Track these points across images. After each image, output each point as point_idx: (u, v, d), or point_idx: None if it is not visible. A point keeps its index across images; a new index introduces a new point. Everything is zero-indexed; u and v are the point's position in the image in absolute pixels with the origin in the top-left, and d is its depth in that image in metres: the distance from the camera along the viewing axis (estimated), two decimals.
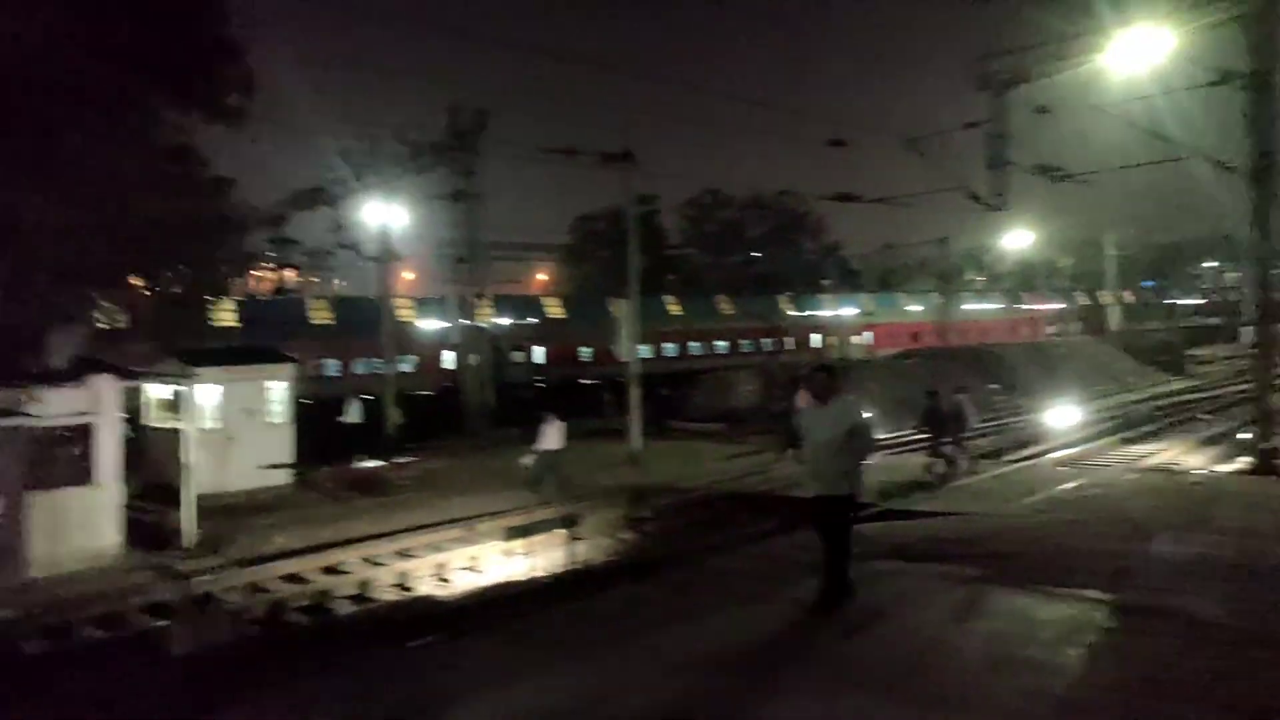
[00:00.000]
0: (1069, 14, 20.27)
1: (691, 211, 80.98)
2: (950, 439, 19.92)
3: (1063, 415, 28.10)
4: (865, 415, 7.21)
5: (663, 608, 7.65)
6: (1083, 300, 69.42)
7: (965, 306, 68.46)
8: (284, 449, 19.36)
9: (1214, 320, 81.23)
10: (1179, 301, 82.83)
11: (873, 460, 7.05)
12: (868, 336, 56.17)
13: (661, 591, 8.29)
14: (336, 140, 28.64)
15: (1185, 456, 23.21)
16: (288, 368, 19.58)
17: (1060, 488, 17.50)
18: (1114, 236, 55.54)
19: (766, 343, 52.59)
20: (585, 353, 45.81)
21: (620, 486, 19.57)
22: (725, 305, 54.52)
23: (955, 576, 8.26)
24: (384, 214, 28.60)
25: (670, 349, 49.10)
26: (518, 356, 43.39)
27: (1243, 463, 22.15)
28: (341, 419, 23.47)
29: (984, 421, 30.17)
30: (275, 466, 19.03)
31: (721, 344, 50.82)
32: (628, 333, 21.64)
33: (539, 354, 44.14)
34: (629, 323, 21.62)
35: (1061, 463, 22.32)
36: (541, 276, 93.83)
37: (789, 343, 52.68)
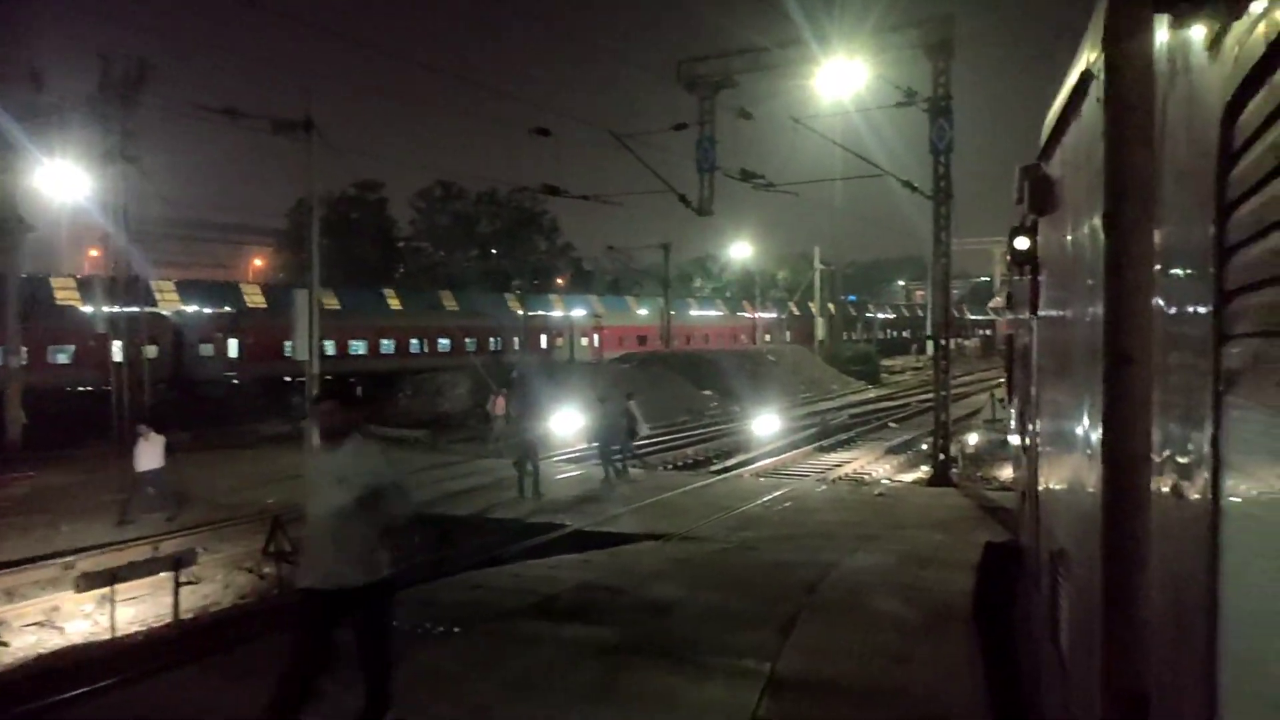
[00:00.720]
0: (766, 26, 20.21)
1: (422, 203, 77.38)
2: (619, 447, 19.19)
3: (768, 423, 28.43)
4: (393, 465, 5.18)
5: None
6: (795, 311, 73.51)
7: (692, 313, 70.29)
8: None
9: (905, 333, 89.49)
10: (878, 315, 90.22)
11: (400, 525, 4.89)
12: (595, 339, 55.74)
13: (193, 687, 6.05)
14: None
15: (874, 465, 23.93)
16: None
17: (755, 503, 16.98)
18: (819, 250, 58.86)
19: (493, 342, 50.61)
20: (289, 347, 41.62)
21: (280, 507, 16.82)
22: (450, 301, 51.95)
23: (598, 644, 6.73)
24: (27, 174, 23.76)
25: (388, 345, 45.86)
26: (207, 349, 38.54)
27: (924, 471, 23.17)
28: None
29: (696, 429, 30.08)
30: None
31: (445, 342, 48.17)
32: (303, 327, 18.82)
33: (234, 347, 39.40)
34: (305, 316, 18.81)
35: (761, 473, 22.17)
36: (259, 263, 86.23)
37: (516, 343, 50.94)
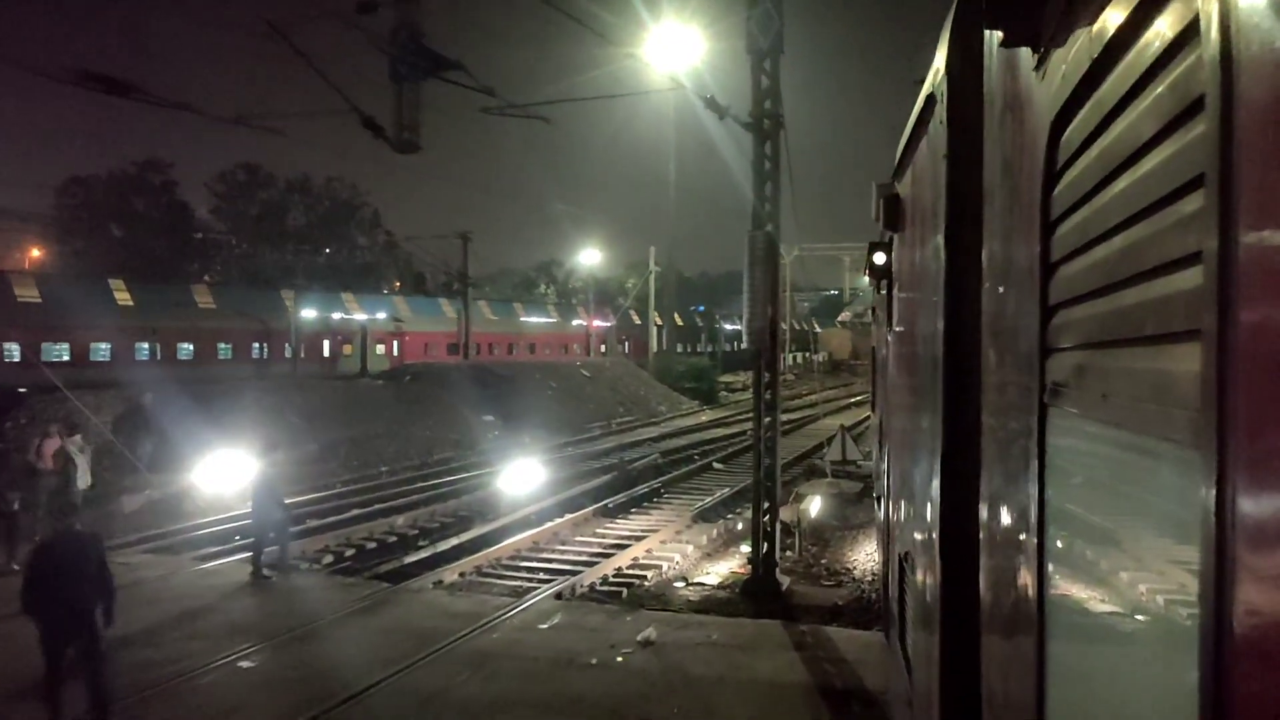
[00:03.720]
0: None
1: (223, 188, 65.03)
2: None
3: (545, 467, 19.40)
4: None
5: None
6: (637, 320, 65.07)
7: (521, 319, 60.94)
8: None
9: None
10: (724, 327, 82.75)
11: None
12: (395, 346, 45.50)
13: None
14: None
15: (671, 546, 15.17)
16: None
17: (386, 685, 7.87)
18: (654, 251, 50.54)
19: (258, 349, 39.79)
20: None
21: None
22: (205, 298, 40.74)
23: None
24: None
25: (103, 351, 34.47)
26: None
27: (742, 559, 14.65)
28: None
29: (439, 476, 20.69)
30: None
31: (188, 347, 37.10)
32: None
33: None
34: None
35: (485, 570, 13.06)
36: (37, 253, 71.53)
37: (290, 350, 40.18)
